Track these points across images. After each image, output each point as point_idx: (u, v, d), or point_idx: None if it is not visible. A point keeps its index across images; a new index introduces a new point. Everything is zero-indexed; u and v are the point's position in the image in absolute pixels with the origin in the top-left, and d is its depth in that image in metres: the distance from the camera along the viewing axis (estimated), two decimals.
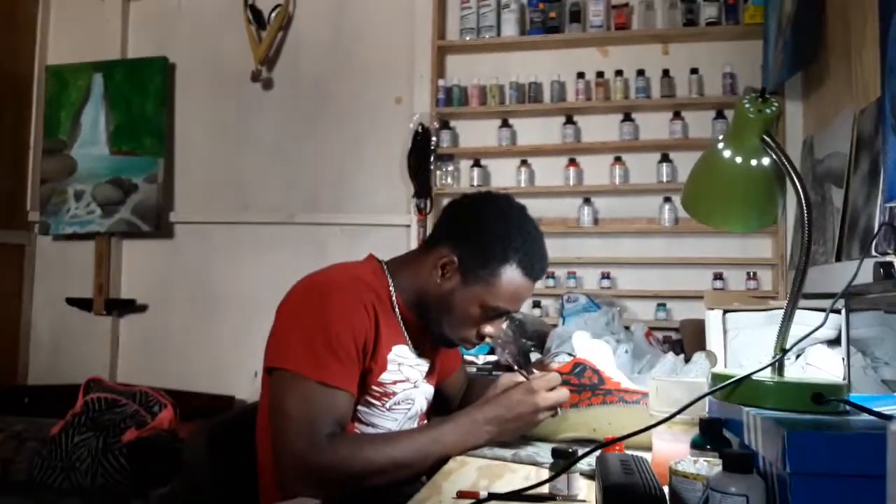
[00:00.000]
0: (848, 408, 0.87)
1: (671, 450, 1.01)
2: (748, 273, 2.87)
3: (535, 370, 1.35)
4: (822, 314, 1.40)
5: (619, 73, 3.03)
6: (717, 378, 0.98)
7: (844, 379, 1.48)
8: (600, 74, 3.05)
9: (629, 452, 1.01)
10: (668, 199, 2.95)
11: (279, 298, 1.30)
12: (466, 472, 1.13)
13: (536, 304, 3.02)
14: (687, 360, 1.74)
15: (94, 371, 3.17)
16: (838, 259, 2.06)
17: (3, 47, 3.52)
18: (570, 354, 1.56)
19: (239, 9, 3.42)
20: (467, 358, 2.44)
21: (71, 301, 3.44)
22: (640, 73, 3.01)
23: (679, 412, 0.94)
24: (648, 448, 1.06)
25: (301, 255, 3.26)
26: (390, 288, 1.33)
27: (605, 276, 2.98)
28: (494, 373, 2.51)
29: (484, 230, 1.28)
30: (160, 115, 3.43)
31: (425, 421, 1.45)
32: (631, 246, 3.04)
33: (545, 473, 1.09)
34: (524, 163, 3.11)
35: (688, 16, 2.96)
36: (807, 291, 0.98)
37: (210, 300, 3.40)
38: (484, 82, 3.15)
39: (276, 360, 1.20)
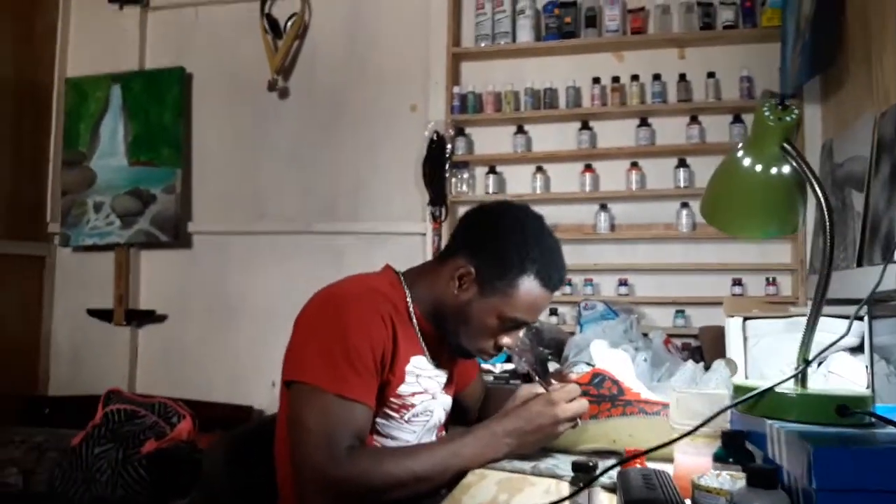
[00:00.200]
0: (873, 420, 0.86)
1: (693, 463, 1.00)
2: (767, 279, 2.84)
3: (553, 381, 1.34)
4: (844, 321, 1.39)
5: (635, 77, 3.01)
6: (738, 390, 0.97)
7: (868, 387, 1.46)
8: (616, 79, 3.04)
9: (650, 465, 1.00)
10: (685, 205, 2.92)
11: (296, 307, 1.30)
12: (486, 486, 1.12)
13: (553, 312, 3.00)
14: (707, 368, 1.72)
15: (114, 381, 3.20)
16: (859, 264, 2.04)
17: (23, 59, 3.56)
18: (588, 363, 1.55)
19: (255, 18, 3.44)
20: (484, 367, 2.44)
21: (92, 312, 3.47)
22: (657, 77, 2.99)
23: (701, 426, 0.92)
24: (670, 460, 1.05)
25: (317, 264, 3.28)
26: (407, 299, 1.33)
27: (623, 283, 2.96)
28: (512, 381, 2.50)
29: (501, 241, 1.28)
30: (178, 125, 3.46)
31: (444, 432, 1.45)
32: (648, 252, 3.02)
33: (565, 486, 1.08)
34: (540, 169, 3.10)
35: (704, 19, 2.94)
36: (828, 297, 0.97)
37: (228, 310, 3.42)
38: (499, 89, 3.14)
39: (295, 373, 1.20)
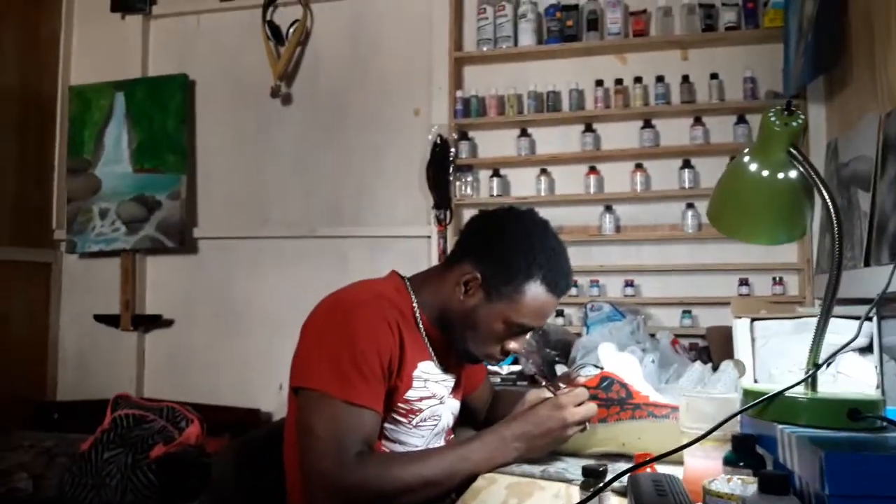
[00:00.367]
0: (885, 424, 0.86)
1: (703, 467, 1.00)
2: (774, 278, 2.84)
3: (562, 384, 1.34)
4: (853, 322, 1.38)
5: (637, 79, 3.01)
6: (748, 394, 0.97)
7: (877, 387, 1.46)
8: (619, 82, 3.04)
9: (659, 469, 1.00)
10: (690, 206, 2.92)
11: (302, 311, 1.30)
12: (495, 491, 1.12)
13: (560, 314, 3.00)
14: (715, 369, 1.72)
15: (122, 386, 3.22)
16: (867, 264, 2.03)
17: (28, 68, 3.58)
18: (595, 366, 1.55)
19: (257, 25, 3.45)
20: (491, 368, 2.43)
21: (99, 318, 3.48)
22: (660, 79, 2.99)
23: (711, 431, 0.92)
24: (679, 463, 1.05)
25: (323, 268, 3.29)
26: (414, 304, 1.33)
27: (629, 284, 2.96)
28: (519, 383, 2.51)
29: (507, 246, 1.28)
30: (181, 132, 3.47)
31: (452, 436, 1.45)
32: (654, 253, 3.02)
33: (575, 490, 1.08)
34: (544, 172, 3.10)
35: (706, 21, 2.94)
36: (839, 297, 0.97)
37: (234, 314, 3.43)
38: (502, 92, 3.14)
39: (302, 379, 1.20)
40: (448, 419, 1.39)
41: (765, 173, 1.00)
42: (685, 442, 1.03)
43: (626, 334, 2.41)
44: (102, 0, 3.64)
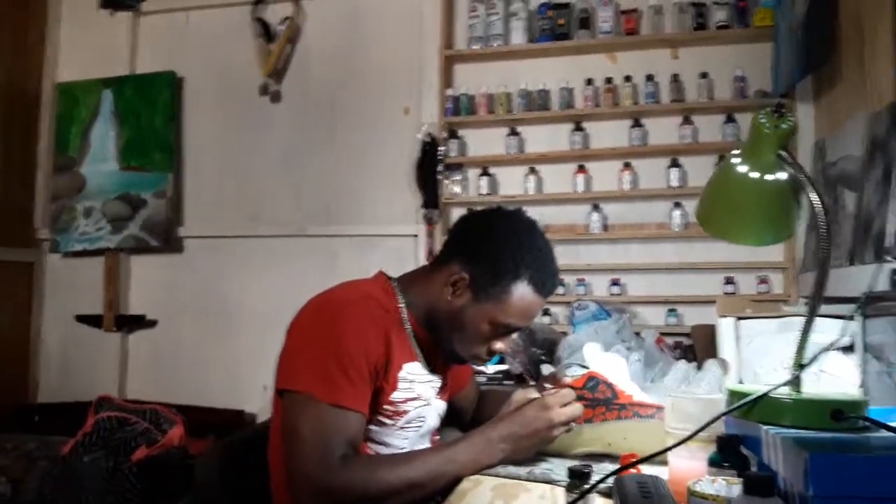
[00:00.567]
0: (868, 424, 0.86)
1: (688, 468, 0.99)
2: (759, 277, 2.85)
3: (547, 385, 1.34)
4: (837, 321, 1.39)
5: (627, 78, 3.01)
6: (733, 395, 0.97)
7: (860, 386, 1.46)
8: (609, 80, 3.04)
9: (644, 469, 1.00)
10: (678, 204, 2.93)
11: (289, 311, 1.29)
12: (481, 493, 1.11)
13: (546, 312, 3.00)
14: (699, 368, 1.72)
15: (105, 387, 3.19)
16: (851, 263, 2.04)
17: (13, 65, 3.54)
18: (581, 365, 1.55)
19: (247, 22, 3.43)
20: (477, 368, 2.43)
21: (80, 318, 3.45)
22: (650, 78, 2.99)
23: (696, 433, 0.92)
24: (664, 463, 1.04)
25: (311, 267, 3.27)
26: (400, 305, 1.32)
27: (615, 283, 2.97)
28: (505, 382, 2.50)
29: (495, 246, 1.27)
30: (169, 129, 3.44)
31: (437, 437, 1.44)
32: (640, 252, 3.02)
33: (560, 492, 1.07)
34: (532, 170, 3.09)
35: (697, 20, 2.95)
36: (823, 296, 0.97)
37: (220, 314, 3.41)
38: (492, 91, 3.14)
39: (288, 381, 1.19)
40: (434, 421, 1.38)
41: (754, 175, 1.00)
42: (670, 442, 1.03)
43: (611, 333, 2.41)
44: None
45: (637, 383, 1.48)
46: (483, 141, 3.21)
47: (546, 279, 1.28)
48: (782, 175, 1.00)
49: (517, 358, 2.39)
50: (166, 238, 3.37)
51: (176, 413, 2.67)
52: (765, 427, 0.86)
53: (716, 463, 0.92)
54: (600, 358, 1.44)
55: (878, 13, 2.01)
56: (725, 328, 1.66)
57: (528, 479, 1.18)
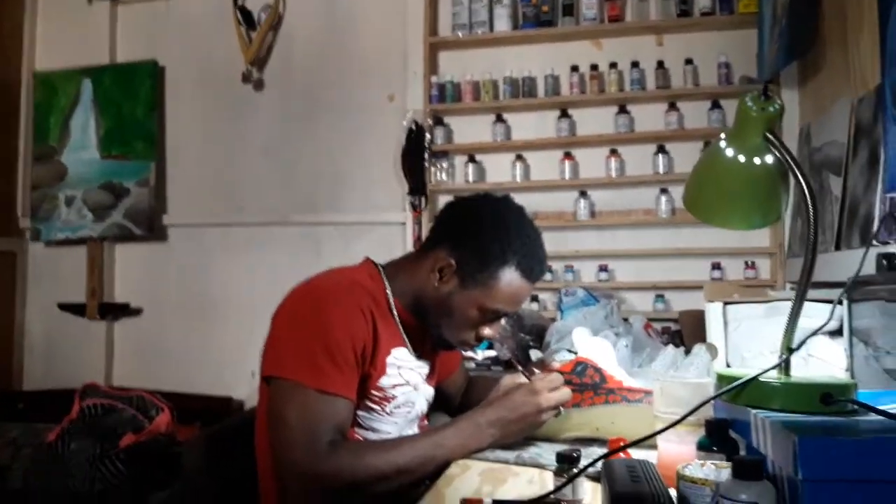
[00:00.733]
0: (856, 407, 0.86)
1: (677, 451, 1.00)
2: (746, 262, 2.86)
3: (536, 370, 1.34)
4: (824, 305, 1.39)
5: (613, 65, 3.01)
6: (722, 379, 0.97)
7: (847, 370, 1.47)
8: (594, 67, 3.03)
9: (633, 453, 1.00)
10: (664, 191, 2.93)
11: (274, 299, 1.28)
12: (469, 477, 1.11)
13: (534, 298, 3.00)
14: (687, 353, 1.73)
15: (90, 376, 3.16)
16: (837, 248, 2.05)
17: None
18: (570, 350, 1.54)
19: (228, 10, 3.38)
20: (466, 353, 2.43)
21: (63, 306, 3.41)
22: (635, 64, 2.99)
23: (685, 417, 0.92)
24: (653, 447, 1.04)
25: (296, 255, 3.25)
26: (387, 291, 1.31)
27: (603, 269, 2.97)
28: (493, 368, 2.50)
29: (482, 232, 1.26)
30: (151, 118, 3.40)
31: (426, 422, 1.44)
32: (628, 238, 3.03)
33: (549, 476, 1.07)
34: (519, 158, 3.09)
35: (681, 6, 2.94)
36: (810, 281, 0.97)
37: (205, 302, 3.38)
38: (477, 78, 3.12)
39: (274, 368, 1.18)
40: (422, 406, 1.38)
41: (741, 158, 0.99)
42: (659, 426, 1.03)
43: (599, 319, 2.42)
44: None
45: (625, 368, 1.48)
46: (469, 128, 3.19)
47: (534, 265, 1.28)
48: (769, 158, 1.00)
49: (505, 344, 2.39)
50: (150, 226, 3.34)
51: (162, 400, 2.66)
52: (754, 411, 0.86)
53: (705, 447, 0.92)
54: (588, 343, 1.43)
55: None
56: (713, 313, 1.67)
57: (516, 464, 1.18)
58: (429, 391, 1.41)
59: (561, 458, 0.98)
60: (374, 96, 3.28)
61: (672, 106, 2.96)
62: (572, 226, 3.03)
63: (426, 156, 3.08)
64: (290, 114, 3.37)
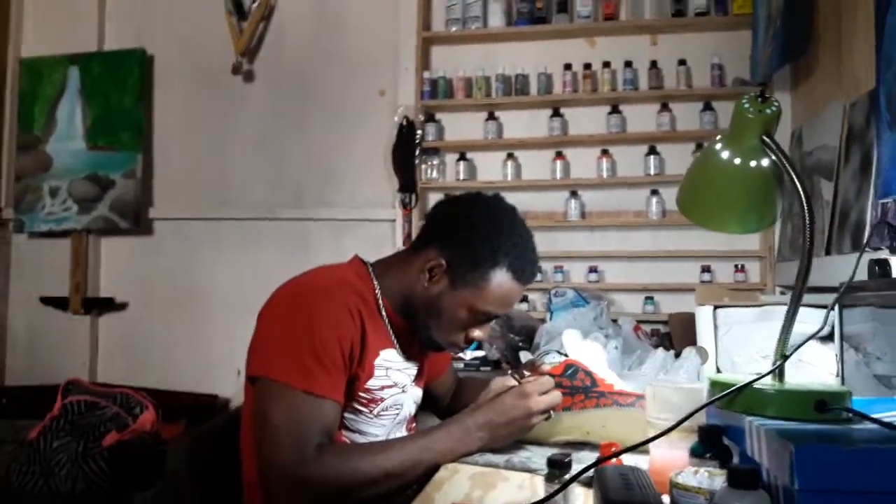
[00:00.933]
0: (851, 415, 0.85)
1: (669, 457, 0.98)
2: (736, 265, 2.86)
3: (526, 372, 1.32)
4: (814, 310, 1.38)
5: (606, 64, 2.99)
6: (715, 385, 0.96)
7: (838, 375, 1.47)
8: (587, 66, 3.02)
9: (625, 458, 0.98)
10: (655, 192, 2.93)
11: (261, 294, 1.26)
12: (458, 482, 1.09)
13: (524, 299, 2.99)
14: (677, 356, 1.72)
15: (73, 371, 3.11)
16: (827, 253, 2.05)
17: None
18: (559, 352, 1.53)
19: None
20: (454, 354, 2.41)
21: (45, 300, 3.36)
22: (628, 64, 2.98)
23: (679, 423, 0.91)
24: (644, 452, 1.03)
25: (284, 251, 3.22)
26: (376, 291, 1.29)
27: (593, 270, 2.96)
28: (482, 368, 2.49)
29: (473, 232, 1.24)
30: (138, 108, 3.36)
31: (414, 424, 1.42)
32: (618, 239, 3.02)
33: (539, 481, 1.06)
34: (511, 156, 3.07)
35: (676, 6, 2.93)
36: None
37: (191, 297, 3.35)
38: (470, 74, 3.10)
39: (260, 369, 1.16)
40: (410, 408, 1.36)
41: (737, 161, 0.98)
42: (650, 431, 1.02)
43: (589, 320, 2.41)
44: None
45: (615, 371, 1.47)
46: (461, 125, 3.17)
47: (525, 266, 1.26)
48: (765, 161, 0.98)
49: (494, 344, 2.38)
50: (136, 219, 3.30)
51: (147, 397, 2.62)
52: (748, 418, 0.85)
53: (697, 453, 0.91)
54: (579, 345, 1.42)
55: (856, 1, 2.01)
56: (703, 317, 1.66)
57: (506, 468, 1.16)
58: (417, 393, 1.39)
59: (552, 463, 0.97)
60: (365, 91, 3.25)
61: (664, 107, 2.95)
62: (563, 226, 3.02)
63: (417, 152, 3.06)
64: (279, 106, 3.33)
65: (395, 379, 1.29)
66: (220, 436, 1.35)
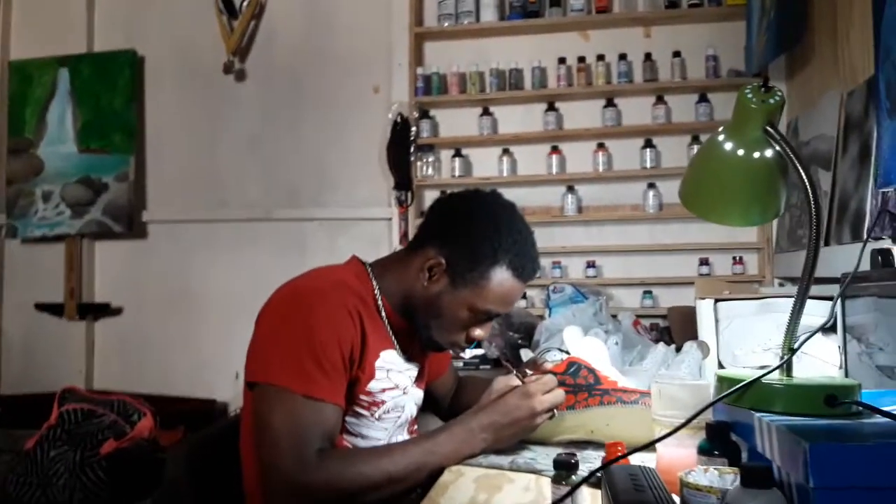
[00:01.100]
0: (861, 409, 0.84)
1: (676, 455, 0.97)
2: (734, 257, 2.85)
3: (528, 370, 1.30)
4: (817, 302, 1.37)
5: (600, 57, 2.98)
6: (722, 380, 0.94)
7: (840, 367, 1.46)
8: (582, 59, 3.00)
9: (630, 457, 0.97)
10: (652, 185, 2.92)
11: (259, 296, 1.24)
12: (463, 485, 1.08)
13: (522, 296, 2.97)
14: (678, 350, 1.71)
15: (69, 378, 3.09)
16: (826, 243, 2.04)
17: None
18: (560, 349, 1.52)
19: None
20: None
21: (40, 306, 3.33)
22: (622, 57, 2.96)
23: (689, 421, 0.89)
24: (650, 449, 1.01)
25: (280, 252, 3.20)
26: (375, 291, 1.27)
27: (591, 265, 2.95)
28: (482, 366, 2.47)
29: (472, 230, 1.22)
30: (130, 110, 3.33)
31: (416, 427, 1.40)
32: (615, 233, 3.01)
33: (545, 482, 1.04)
34: (506, 151, 3.05)
35: None
36: (799, 276, 0.95)
37: (187, 301, 3.32)
38: (463, 69, 3.08)
39: (260, 374, 1.14)
40: (412, 410, 1.34)
41: (740, 152, 0.96)
42: (656, 428, 1.01)
43: (588, 316, 2.39)
44: None
45: (616, 367, 1.45)
46: (455, 121, 3.15)
47: (526, 263, 1.24)
48: (769, 153, 0.97)
49: (494, 342, 2.36)
50: (129, 223, 3.27)
51: (144, 403, 2.60)
52: (757, 414, 0.83)
53: (705, 451, 0.90)
54: (581, 342, 1.41)
55: None
56: (704, 310, 1.65)
57: (511, 469, 1.15)
58: (418, 394, 1.37)
59: (558, 465, 0.95)
60: (359, 88, 3.23)
61: (660, 99, 2.94)
62: (559, 221, 3.01)
63: (412, 149, 3.04)
64: (272, 105, 3.31)
65: (395, 381, 1.27)
66: (219, 442, 1.33)
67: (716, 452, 0.89)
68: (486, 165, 3.10)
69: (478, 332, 1.28)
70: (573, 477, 0.93)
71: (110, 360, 3.39)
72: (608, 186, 3.01)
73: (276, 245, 3.23)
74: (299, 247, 3.20)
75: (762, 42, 2.52)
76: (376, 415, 1.24)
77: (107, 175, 3.29)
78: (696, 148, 2.87)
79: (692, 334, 1.67)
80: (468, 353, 2.48)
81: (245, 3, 3.28)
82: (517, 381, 1.23)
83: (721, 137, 0.99)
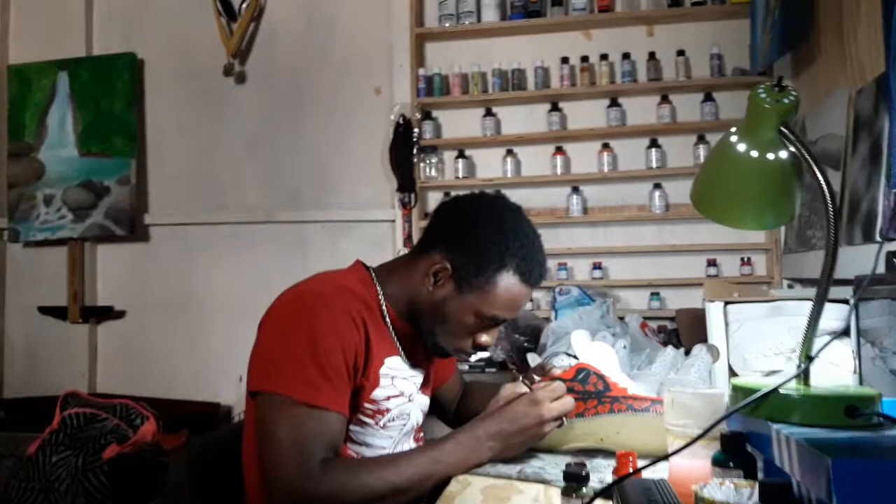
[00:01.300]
0: (882, 420, 0.81)
1: (690, 466, 0.94)
2: (742, 258, 2.83)
3: (536, 377, 1.28)
4: (830, 305, 1.35)
5: (604, 56, 2.95)
6: (738, 390, 0.92)
7: (854, 372, 1.43)
8: (585, 59, 2.98)
9: (639, 465, 0.94)
10: (657, 186, 2.89)
11: (261, 299, 1.22)
12: (470, 495, 1.05)
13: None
14: (687, 353, 1.68)
15: (72, 382, 3.08)
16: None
17: None
18: (568, 354, 1.49)
19: (208, 0, 3.29)
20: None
21: (43, 310, 3.31)
22: (626, 56, 2.93)
23: (704, 434, 0.87)
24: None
25: (282, 254, 3.18)
26: (380, 297, 1.25)
27: (597, 267, 2.92)
28: (487, 370, 2.45)
29: (478, 235, 1.20)
30: (130, 113, 3.31)
31: (422, 435, 1.38)
32: (621, 234, 2.98)
33: (554, 492, 1.02)
34: (510, 152, 3.03)
35: None
36: (806, 278, 0.92)
37: (190, 303, 3.30)
38: (465, 70, 3.05)
39: (262, 382, 1.12)
40: (417, 417, 1.32)
41: (753, 153, 0.94)
42: (670, 439, 0.98)
43: (595, 319, 2.36)
44: None
45: (624, 371, 1.43)
46: (458, 122, 3.13)
47: (533, 268, 1.22)
48: (783, 154, 0.94)
49: (500, 345, 2.34)
50: (131, 226, 3.25)
51: (147, 407, 2.58)
52: (775, 426, 0.81)
53: (720, 462, 0.87)
54: (590, 347, 1.38)
55: None
56: (714, 313, 1.62)
57: (519, 479, 1.12)
58: (424, 401, 1.35)
59: (568, 476, 0.93)
60: (360, 89, 3.20)
61: (664, 98, 2.91)
62: (565, 222, 2.98)
63: (414, 151, 3.02)
64: (273, 108, 3.28)
65: (400, 388, 1.25)
66: (222, 448, 1.32)
67: (731, 464, 0.86)
68: (489, 166, 3.07)
69: (484, 338, 1.26)
70: (584, 489, 0.91)
71: (113, 364, 3.37)
72: (614, 187, 2.99)
73: (278, 247, 3.21)
74: (302, 249, 3.18)
75: (767, 40, 2.49)
76: (381, 423, 1.22)
77: (108, 178, 3.28)
78: (702, 147, 2.84)
79: (700, 336, 1.64)
80: (473, 357, 2.46)
81: (244, 5, 3.26)
82: (525, 388, 1.20)
83: (734, 139, 0.97)
